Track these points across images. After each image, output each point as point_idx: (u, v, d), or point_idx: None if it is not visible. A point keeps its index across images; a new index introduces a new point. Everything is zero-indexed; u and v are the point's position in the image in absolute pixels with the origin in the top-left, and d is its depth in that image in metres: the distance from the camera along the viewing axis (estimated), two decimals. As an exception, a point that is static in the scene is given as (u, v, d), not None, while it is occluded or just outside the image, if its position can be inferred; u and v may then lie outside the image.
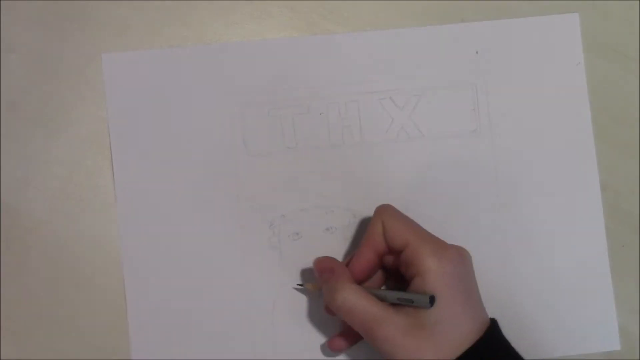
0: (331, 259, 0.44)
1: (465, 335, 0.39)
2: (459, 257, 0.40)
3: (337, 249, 0.47)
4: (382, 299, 0.41)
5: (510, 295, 0.48)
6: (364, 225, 0.47)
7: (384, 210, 0.43)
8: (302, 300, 0.47)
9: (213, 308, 0.47)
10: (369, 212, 0.47)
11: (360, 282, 0.43)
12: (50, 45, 0.48)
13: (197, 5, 0.49)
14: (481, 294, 0.42)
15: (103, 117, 0.48)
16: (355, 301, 0.40)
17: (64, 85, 0.48)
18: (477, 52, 0.49)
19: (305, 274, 0.47)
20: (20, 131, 0.48)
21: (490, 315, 0.41)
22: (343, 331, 0.45)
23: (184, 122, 0.48)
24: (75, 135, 0.48)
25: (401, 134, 0.48)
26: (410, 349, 0.38)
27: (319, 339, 0.47)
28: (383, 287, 0.46)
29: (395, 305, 0.40)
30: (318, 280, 0.44)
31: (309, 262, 0.47)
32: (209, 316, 0.46)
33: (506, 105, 0.49)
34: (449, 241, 0.42)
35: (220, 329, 0.47)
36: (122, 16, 0.48)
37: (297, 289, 0.47)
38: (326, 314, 0.45)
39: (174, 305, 0.46)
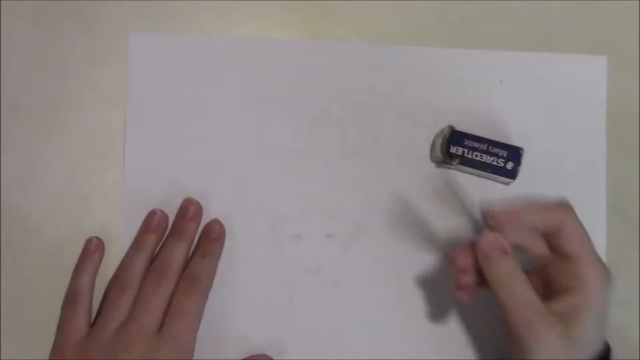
0: (497, 236, 0.40)
1: (596, 354, 0.40)
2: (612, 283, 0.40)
3: (336, 256, 0.47)
4: None
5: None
6: (367, 236, 0.47)
7: (572, 212, 0.41)
8: (299, 300, 0.47)
9: (210, 304, 0.46)
10: (373, 223, 0.48)
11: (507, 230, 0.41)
12: (51, 45, 0.48)
13: (197, 5, 0.49)
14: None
15: (103, 117, 0.48)
16: (523, 286, 0.39)
17: (65, 85, 0.48)
18: (500, 81, 0.49)
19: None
20: (20, 131, 0.48)
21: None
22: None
23: (200, 111, 0.48)
24: (75, 135, 0.48)
25: (415, 151, 0.48)
26: (555, 352, 0.38)
27: (316, 338, 0.47)
28: None
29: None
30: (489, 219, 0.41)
31: (307, 266, 0.47)
32: (205, 312, 0.46)
33: (524, 138, 0.48)
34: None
35: (214, 324, 0.46)
36: (122, 16, 0.48)
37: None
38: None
39: None
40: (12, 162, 0.47)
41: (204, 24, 0.49)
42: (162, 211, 0.46)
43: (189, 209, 0.46)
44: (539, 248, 0.42)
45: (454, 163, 0.46)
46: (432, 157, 0.48)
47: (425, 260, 0.48)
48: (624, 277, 0.48)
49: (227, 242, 0.47)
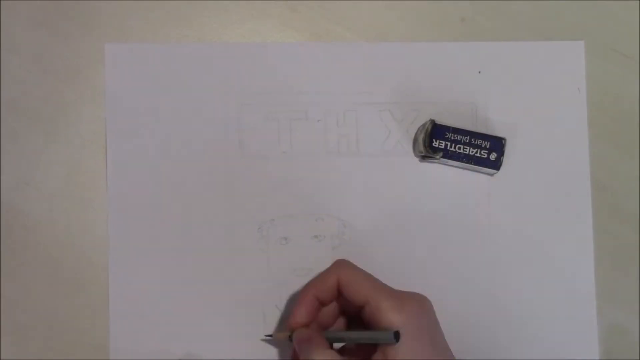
0: (308, 331, 0.43)
1: None
2: (420, 309, 0.40)
3: (324, 257, 0.47)
4: (347, 341, 0.42)
5: (495, 310, 0.47)
6: (353, 236, 0.47)
7: (342, 265, 0.43)
8: (290, 303, 0.47)
9: (198, 308, 0.47)
10: (359, 222, 0.47)
11: (306, 325, 0.43)
12: (51, 45, 0.48)
13: (197, 5, 0.49)
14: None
15: (103, 117, 0.48)
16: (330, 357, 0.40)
17: (64, 85, 0.48)
18: (479, 72, 0.49)
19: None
20: (20, 131, 0.48)
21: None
22: None
23: (180, 119, 0.48)
24: (75, 135, 0.48)
25: (397, 148, 0.48)
26: None
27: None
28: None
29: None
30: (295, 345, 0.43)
31: (295, 268, 0.47)
32: (193, 316, 0.46)
33: (505, 127, 0.48)
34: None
35: (204, 330, 0.46)
36: (122, 16, 0.48)
37: (265, 340, 0.46)
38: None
39: (159, 304, 0.46)
40: (12, 162, 0.47)
41: (203, 24, 0.49)
42: None
43: None
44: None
45: (437, 157, 0.46)
46: (415, 151, 0.48)
47: (413, 257, 0.48)
48: (624, 277, 0.48)
49: (214, 249, 0.47)
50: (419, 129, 0.48)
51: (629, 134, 0.49)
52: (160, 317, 0.46)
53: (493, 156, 0.47)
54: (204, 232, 0.47)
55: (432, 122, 0.47)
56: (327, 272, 0.43)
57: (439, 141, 0.47)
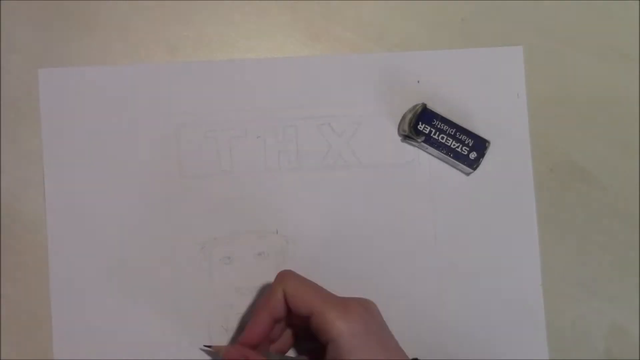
0: (242, 349, 0.42)
1: None
2: (366, 312, 0.40)
3: (268, 275, 0.46)
4: None
5: (441, 325, 0.47)
6: (297, 251, 0.47)
7: (286, 277, 0.42)
8: (235, 322, 0.47)
9: (143, 331, 0.46)
10: (303, 238, 0.47)
11: (258, 344, 0.42)
12: (51, 44, 0.48)
13: (197, 5, 0.49)
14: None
15: (103, 117, 0.48)
16: None
17: (64, 85, 0.48)
18: (418, 82, 0.48)
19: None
20: (20, 131, 0.48)
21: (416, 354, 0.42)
22: None
23: (119, 141, 0.47)
24: (75, 135, 0.48)
25: (338, 161, 0.48)
26: None
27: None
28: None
29: None
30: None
31: (239, 287, 0.47)
32: (138, 338, 0.46)
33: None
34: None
35: (150, 353, 0.46)
36: (122, 16, 0.48)
37: (204, 350, 0.46)
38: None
39: (101, 324, 0.46)
40: (12, 162, 0.47)
41: (204, 24, 0.49)
42: None
43: None
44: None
45: (419, 140, 0.46)
46: (400, 130, 0.48)
47: (359, 270, 0.47)
48: (624, 277, 0.48)
49: (156, 270, 0.46)
50: (409, 109, 0.47)
51: (628, 134, 0.49)
52: (105, 339, 0.46)
53: (473, 155, 0.46)
54: (146, 254, 0.47)
55: (424, 105, 0.46)
56: (273, 286, 0.42)
57: (425, 125, 0.46)
